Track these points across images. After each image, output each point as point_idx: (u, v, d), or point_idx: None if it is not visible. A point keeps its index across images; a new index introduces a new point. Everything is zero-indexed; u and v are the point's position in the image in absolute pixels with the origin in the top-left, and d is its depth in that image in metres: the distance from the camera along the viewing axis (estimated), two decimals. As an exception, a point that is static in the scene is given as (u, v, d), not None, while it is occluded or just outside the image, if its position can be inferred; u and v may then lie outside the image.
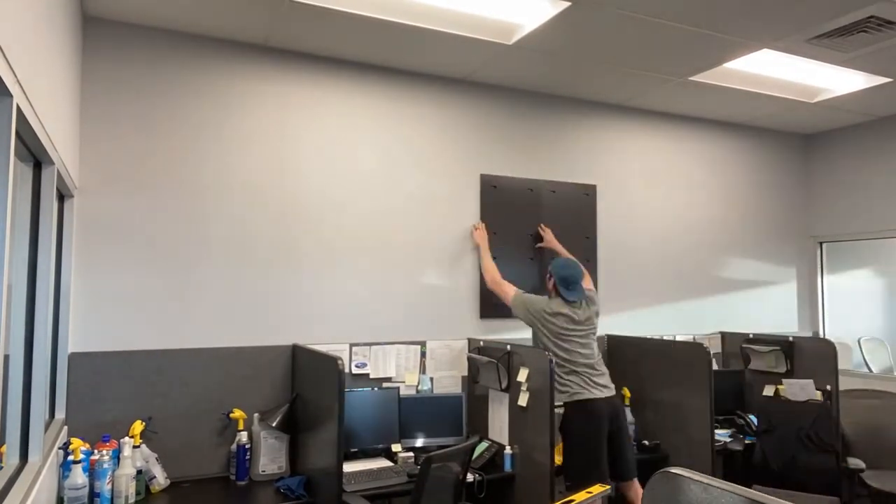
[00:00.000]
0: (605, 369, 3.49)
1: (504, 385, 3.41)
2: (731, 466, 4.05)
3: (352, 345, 3.59)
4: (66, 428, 2.86)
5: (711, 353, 3.55)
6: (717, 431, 3.81)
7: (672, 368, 3.71)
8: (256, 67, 3.47)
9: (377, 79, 3.78)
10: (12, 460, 2.01)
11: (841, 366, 4.04)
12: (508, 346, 3.46)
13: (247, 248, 3.37)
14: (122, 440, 2.78)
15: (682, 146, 4.84)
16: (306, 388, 3.13)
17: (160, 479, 2.89)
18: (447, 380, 3.84)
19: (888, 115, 4.80)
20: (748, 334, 4.58)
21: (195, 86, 3.32)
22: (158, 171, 3.22)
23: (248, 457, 3.08)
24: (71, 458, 2.59)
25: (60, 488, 2.61)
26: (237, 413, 3.18)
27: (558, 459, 3.30)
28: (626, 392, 3.93)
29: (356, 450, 3.34)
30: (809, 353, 4.12)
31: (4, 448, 2.00)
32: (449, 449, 2.63)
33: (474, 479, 3.15)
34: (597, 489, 2.52)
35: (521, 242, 4.14)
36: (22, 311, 2.06)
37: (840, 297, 5.24)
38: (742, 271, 5.04)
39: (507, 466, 3.32)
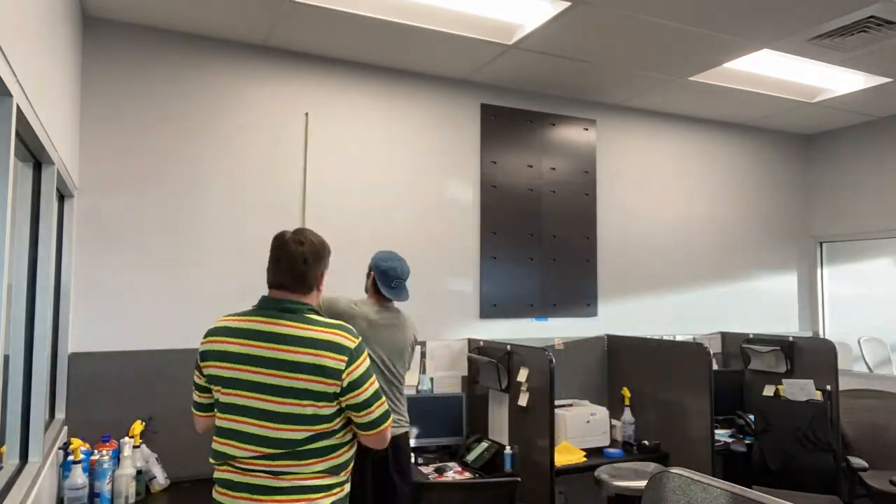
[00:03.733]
0: None
1: (504, 385, 3.41)
2: (732, 466, 4.05)
3: (352, 345, 3.58)
4: (66, 428, 2.86)
5: (711, 353, 3.55)
6: (717, 431, 3.81)
7: (672, 368, 3.71)
8: (256, 67, 3.46)
9: (377, 79, 3.78)
10: (12, 460, 2.01)
11: (841, 366, 4.03)
12: (508, 346, 3.46)
13: (247, 248, 3.37)
14: (122, 440, 2.78)
15: (682, 146, 4.84)
16: (306, 388, 3.13)
17: (160, 479, 2.89)
18: (447, 380, 3.84)
19: (888, 115, 4.80)
20: (748, 334, 4.58)
21: (195, 86, 3.32)
22: (158, 171, 3.22)
23: (248, 457, 3.07)
24: (71, 458, 2.59)
25: (60, 488, 2.61)
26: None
27: (558, 460, 3.30)
28: (627, 392, 3.93)
29: (356, 450, 3.34)
30: (809, 353, 4.11)
31: (4, 448, 2.00)
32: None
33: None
34: None
35: (521, 242, 4.14)
36: (22, 311, 2.06)
37: (840, 297, 5.24)
38: (742, 271, 5.04)
39: (507, 466, 3.32)
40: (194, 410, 1.95)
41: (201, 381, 1.88)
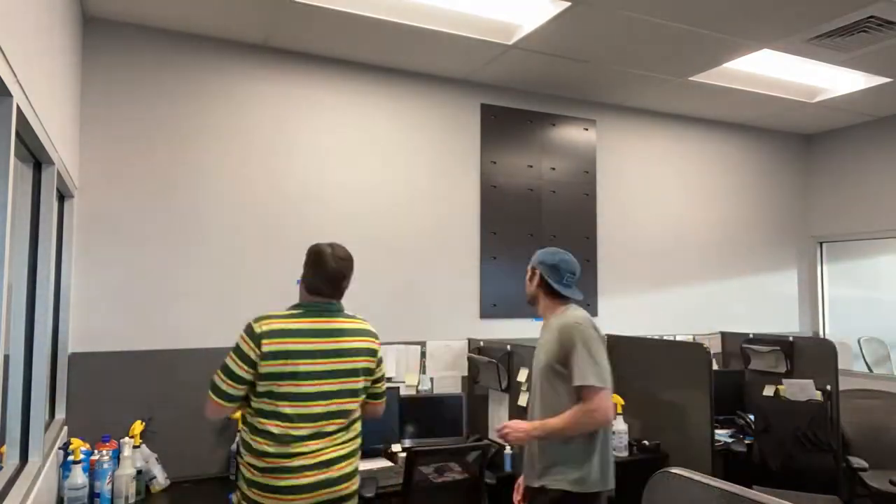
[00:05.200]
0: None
1: (504, 385, 3.41)
2: (732, 466, 4.05)
3: (352, 345, 3.58)
4: (66, 428, 2.86)
5: (711, 353, 3.55)
6: (717, 431, 3.80)
7: (672, 368, 3.71)
8: (256, 67, 3.47)
9: (377, 79, 3.78)
10: (12, 460, 2.01)
11: (841, 366, 4.03)
12: (508, 346, 3.46)
13: (246, 248, 3.37)
14: (122, 440, 2.78)
15: (682, 146, 4.84)
16: (306, 388, 3.13)
17: (160, 479, 2.89)
18: (447, 380, 3.84)
19: (888, 115, 4.80)
20: (748, 334, 4.57)
21: (195, 86, 3.32)
22: (158, 171, 3.22)
23: (248, 457, 3.07)
24: (71, 458, 2.59)
25: (60, 488, 2.61)
26: (237, 413, 3.17)
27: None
28: (619, 399, 3.84)
29: (356, 450, 3.33)
30: (809, 353, 4.11)
31: (4, 448, 2.00)
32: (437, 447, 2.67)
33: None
34: None
35: (521, 242, 4.14)
36: (22, 311, 2.06)
37: (840, 297, 5.23)
38: (742, 271, 5.03)
39: (508, 466, 3.31)
40: (220, 400, 2.13)
41: (248, 376, 2.09)
